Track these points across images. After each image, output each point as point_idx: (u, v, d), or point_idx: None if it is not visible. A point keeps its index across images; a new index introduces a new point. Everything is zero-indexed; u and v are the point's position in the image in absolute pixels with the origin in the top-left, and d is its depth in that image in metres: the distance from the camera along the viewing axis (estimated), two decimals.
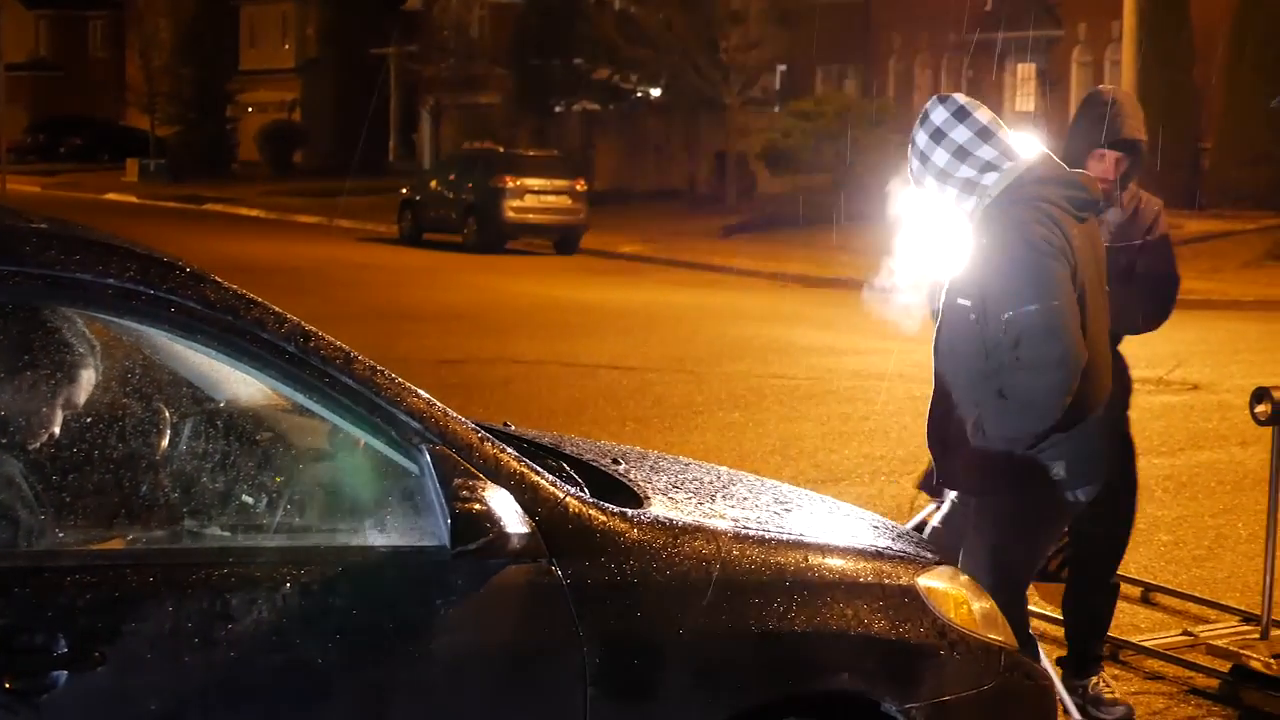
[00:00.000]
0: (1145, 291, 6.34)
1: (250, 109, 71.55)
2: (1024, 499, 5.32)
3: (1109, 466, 5.58)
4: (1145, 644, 7.33)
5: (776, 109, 45.44)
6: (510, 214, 33.63)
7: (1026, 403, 5.10)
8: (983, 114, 5.35)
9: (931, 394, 5.54)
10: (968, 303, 5.26)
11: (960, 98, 5.42)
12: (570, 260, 32.60)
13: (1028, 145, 5.46)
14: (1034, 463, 5.20)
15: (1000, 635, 4.53)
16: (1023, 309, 5.05)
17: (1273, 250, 28.89)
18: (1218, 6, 36.46)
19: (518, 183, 33.64)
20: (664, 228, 36.98)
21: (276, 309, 3.88)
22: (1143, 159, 6.27)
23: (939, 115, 5.35)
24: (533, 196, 33.73)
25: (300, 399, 3.84)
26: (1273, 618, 7.20)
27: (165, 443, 3.97)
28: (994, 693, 4.42)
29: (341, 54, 65.54)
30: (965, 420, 5.31)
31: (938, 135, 5.33)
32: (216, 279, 3.83)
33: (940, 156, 5.31)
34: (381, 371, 3.92)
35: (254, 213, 45.86)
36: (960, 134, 5.30)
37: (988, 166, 5.28)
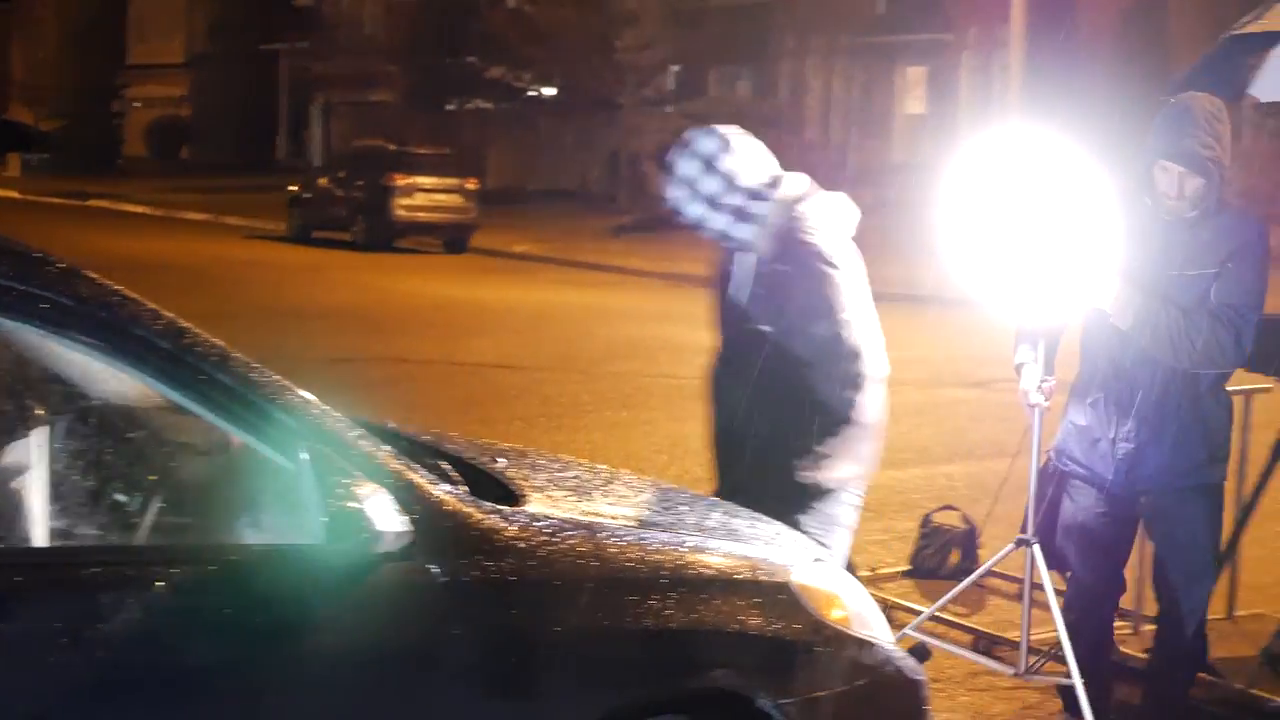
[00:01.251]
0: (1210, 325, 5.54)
1: (138, 104, 70.82)
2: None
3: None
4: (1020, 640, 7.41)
5: (670, 110, 45.51)
6: (400, 212, 33.48)
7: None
8: (747, 143, 5.54)
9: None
10: (768, 329, 5.38)
11: (725, 129, 5.57)
12: (460, 259, 32.52)
13: (793, 176, 5.65)
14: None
15: (874, 631, 4.59)
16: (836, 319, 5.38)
17: None
18: (1105, 8, 36.92)
19: (408, 181, 33.50)
20: (556, 227, 36.97)
21: (152, 305, 3.86)
22: (1217, 176, 5.54)
23: (707, 146, 5.47)
24: (423, 195, 33.60)
25: (175, 397, 3.82)
26: (1144, 614, 7.32)
27: (37, 441, 3.94)
28: (867, 688, 4.47)
29: (232, 49, 64.99)
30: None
31: (707, 165, 5.44)
32: (90, 274, 3.80)
33: (709, 185, 5.43)
34: (258, 369, 3.90)
35: (140, 209, 45.37)
36: (729, 163, 5.43)
37: (756, 194, 5.43)
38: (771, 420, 5.40)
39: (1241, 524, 6.74)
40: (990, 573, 8.51)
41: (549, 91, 50.68)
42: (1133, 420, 5.68)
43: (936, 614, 7.83)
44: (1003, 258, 5.75)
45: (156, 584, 3.59)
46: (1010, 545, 6.14)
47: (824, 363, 5.38)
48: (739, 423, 5.51)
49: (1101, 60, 37.01)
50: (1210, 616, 6.76)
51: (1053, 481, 6.09)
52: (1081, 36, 37.39)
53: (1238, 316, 5.47)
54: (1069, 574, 6.23)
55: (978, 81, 42.38)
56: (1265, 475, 6.49)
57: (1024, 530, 6.06)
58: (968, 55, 42.61)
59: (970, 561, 8.59)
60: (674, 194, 5.52)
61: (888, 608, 7.79)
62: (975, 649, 7.41)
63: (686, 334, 19.86)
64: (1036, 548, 5.98)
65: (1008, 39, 33.32)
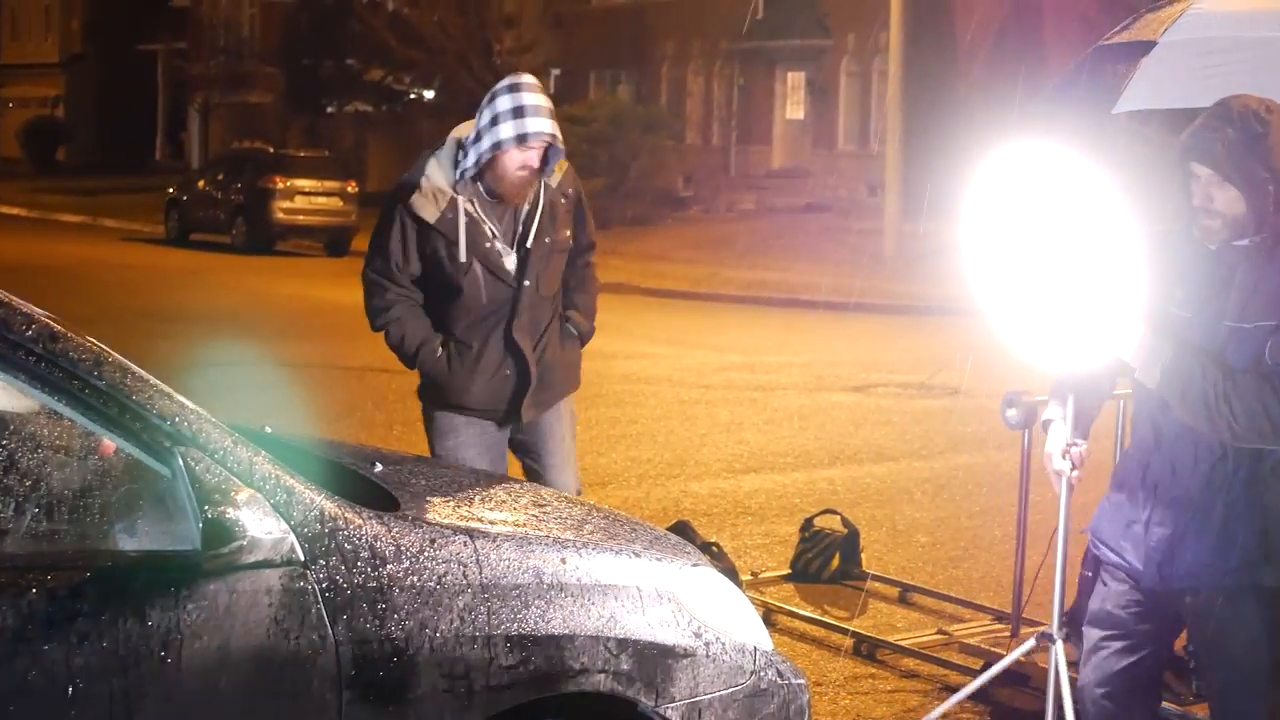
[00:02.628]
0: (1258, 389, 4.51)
1: (10, 104, 69.84)
2: None
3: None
4: (901, 643, 7.47)
5: None
6: (280, 215, 33.27)
7: None
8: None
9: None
10: None
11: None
12: (341, 262, 32.30)
13: None
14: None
15: (755, 635, 4.60)
16: None
17: None
18: (981, 17, 37.32)
19: (287, 183, 33.29)
20: None
21: (24, 308, 3.80)
22: (1268, 191, 4.51)
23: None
24: (303, 198, 33.40)
25: (48, 401, 3.76)
26: (1023, 616, 7.39)
27: None
28: (748, 691, 4.47)
29: (107, 49, 64.27)
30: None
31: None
32: None
33: None
34: (133, 373, 3.85)
35: (14, 211, 44.74)
36: None
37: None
38: None
39: None
40: (872, 576, 8.60)
41: (429, 94, 50.53)
42: (1170, 502, 4.64)
43: (817, 618, 7.88)
44: (1023, 291, 4.83)
45: (30, 591, 3.53)
46: (1030, 641, 5.26)
47: None
48: None
49: (979, 67, 37.41)
50: None
51: (1093, 566, 5.27)
52: (959, 44, 37.81)
53: None
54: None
55: (857, 88, 42.74)
56: None
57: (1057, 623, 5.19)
58: (847, 61, 42.94)
59: (852, 565, 8.64)
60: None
61: (769, 611, 7.83)
62: (857, 652, 7.45)
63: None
64: (1060, 645, 5.04)
65: (886, 45, 33.63)
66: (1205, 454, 4.57)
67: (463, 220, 6.16)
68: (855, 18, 41.34)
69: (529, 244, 6.27)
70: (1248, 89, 6.15)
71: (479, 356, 6.28)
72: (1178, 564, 4.62)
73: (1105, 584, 4.88)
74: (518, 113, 6.06)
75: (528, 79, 6.20)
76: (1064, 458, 4.83)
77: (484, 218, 6.21)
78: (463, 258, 6.16)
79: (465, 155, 6.16)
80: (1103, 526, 4.87)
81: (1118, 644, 4.80)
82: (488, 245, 6.21)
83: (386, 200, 6.32)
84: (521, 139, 6.06)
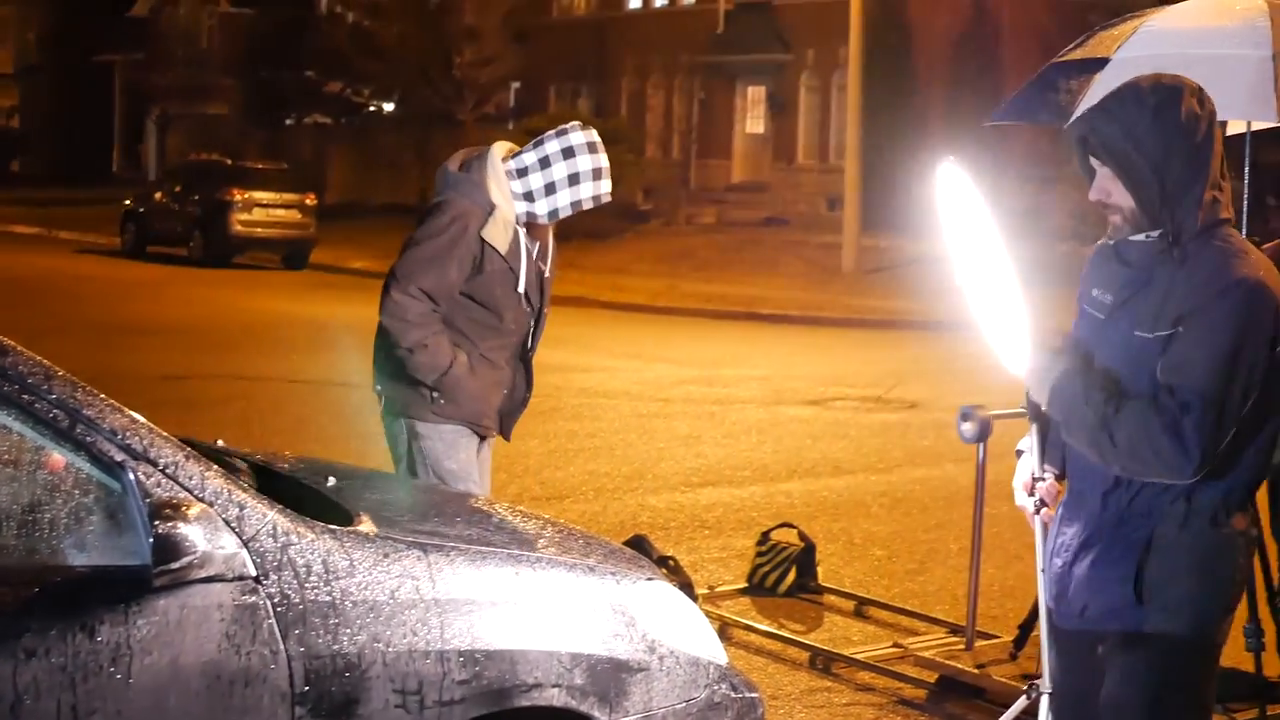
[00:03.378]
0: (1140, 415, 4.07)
1: None
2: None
3: None
4: (857, 656, 7.48)
5: (510, 126, 45.51)
6: (238, 227, 33.12)
7: None
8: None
9: None
10: None
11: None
12: (299, 275, 32.25)
13: None
14: None
15: (709, 649, 4.60)
16: None
17: None
18: (938, 38, 37.50)
19: (245, 196, 33.15)
20: (396, 243, 36.04)
21: None
22: (1156, 185, 4.06)
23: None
24: (261, 210, 33.27)
25: None
26: (977, 629, 7.41)
27: None
28: (702, 705, 4.48)
29: (64, 60, 63.96)
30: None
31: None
32: None
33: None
34: (83, 388, 3.84)
35: None
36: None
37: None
38: None
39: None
40: (828, 590, 8.62)
41: (388, 106, 50.48)
42: (1071, 532, 4.20)
43: (773, 631, 7.88)
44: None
45: None
46: (1021, 699, 4.56)
47: None
48: None
49: (937, 83, 37.58)
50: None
51: None
52: (918, 60, 37.95)
53: (1179, 407, 3.88)
54: None
55: (816, 102, 42.85)
56: None
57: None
58: (807, 75, 43.05)
59: (808, 578, 8.65)
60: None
61: (725, 625, 7.83)
62: (812, 665, 7.46)
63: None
64: (1045, 699, 4.32)
65: (846, 60, 33.72)
66: (1100, 481, 4.11)
67: (523, 252, 6.43)
68: (815, 33, 41.45)
69: (547, 274, 6.58)
70: None
71: (501, 375, 6.48)
72: (1070, 600, 4.17)
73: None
74: (598, 174, 6.43)
75: (597, 136, 6.49)
76: (1029, 493, 4.31)
77: (530, 249, 6.49)
78: (521, 287, 6.41)
79: (535, 199, 6.44)
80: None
81: (1070, 696, 4.28)
82: (531, 275, 6.49)
83: (447, 220, 6.40)
84: (597, 199, 6.45)
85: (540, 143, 6.50)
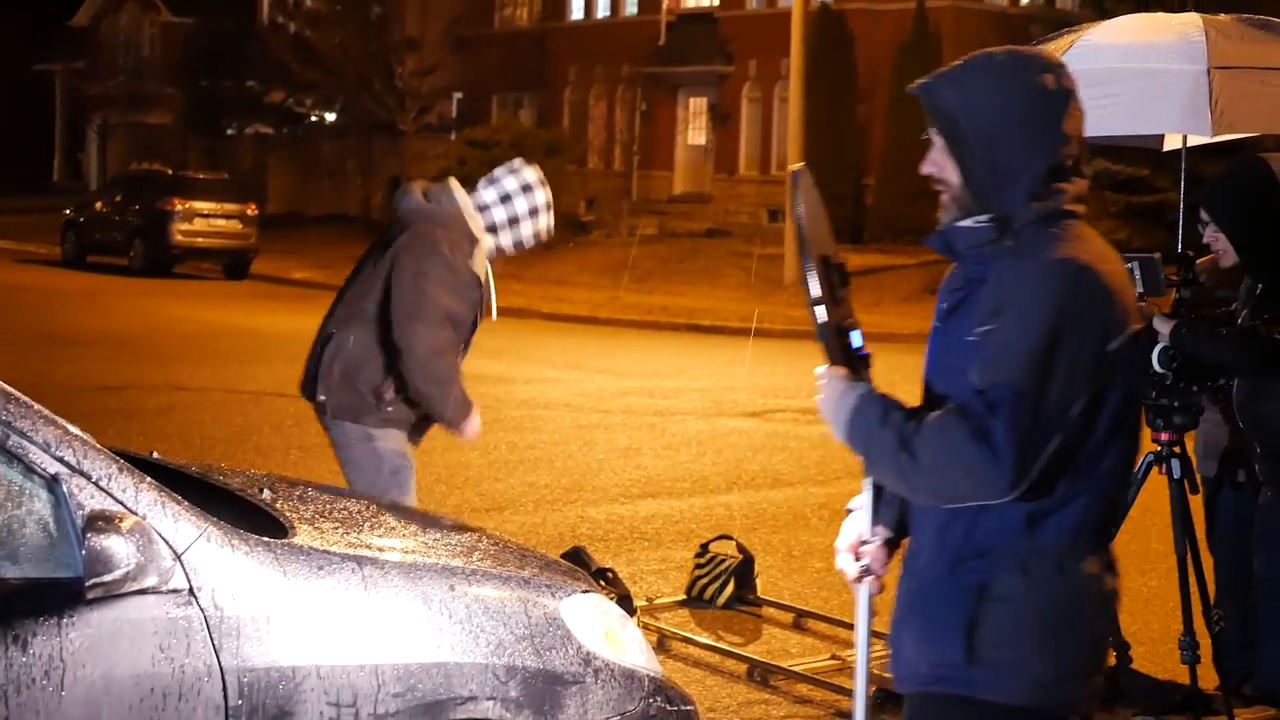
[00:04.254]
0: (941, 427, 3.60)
1: None
2: None
3: None
4: (795, 668, 7.50)
5: (453, 136, 45.47)
6: (178, 237, 33.00)
7: None
8: None
9: None
10: None
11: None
12: (240, 285, 32.14)
13: None
14: None
15: (644, 661, 4.62)
16: None
17: (930, 284, 29.87)
18: (881, 46, 37.66)
19: (186, 205, 33.04)
20: (337, 253, 36.62)
21: None
22: (984, 158, 3.55)
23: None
24: (202, 220, 33.16)
25: None
26: None
27: None
28: (636, 717, 4.49)
29: (4, 69, 63.53)
30: None
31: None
32: None
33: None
34: (17, 399, 3.83)
35: None
36: None
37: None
38: None
39: None
40: (766, 602, 8.65)
41: (330, 116, 50.37)
42: (904, 578, 3.63)
43: (711, 644, 7.90)
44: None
45: None
46: None
47: None
48: None
49: (879, 94, 37.73)
50: None
51: None
52: (860, 71, 38.09)
53: (986, 408, 3.31)
54: None
55: (758, 113, 42.97)
56: None
57: None
58: (749, 87, 43.18)
59: (747, 590, 8.67)
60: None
61: (663, 637, 7.85)
62: (750, 677, 7.48)
63: (467, 363, 19.80)
64: None
65: (787, 71, 33.85)
66: (934, 518, 3.53)
67: (491, 280, 6.83)
68: (757, 44, 41.59)
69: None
70: (1133, 118, 6.26)
71: None
72: (904, 659, 3.63)
73: None
74: (548, 208, 6.87)
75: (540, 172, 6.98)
76: (850, 556, 3.73)
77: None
78: (494, 315, 6.89)
79: (499, 231, 6.75)
80: None
81: None
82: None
83: (447, 256, 6.62)
84: (548, 231, 6.89)
85: (495, 180, 6.83)
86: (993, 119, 3.48)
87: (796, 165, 3.79)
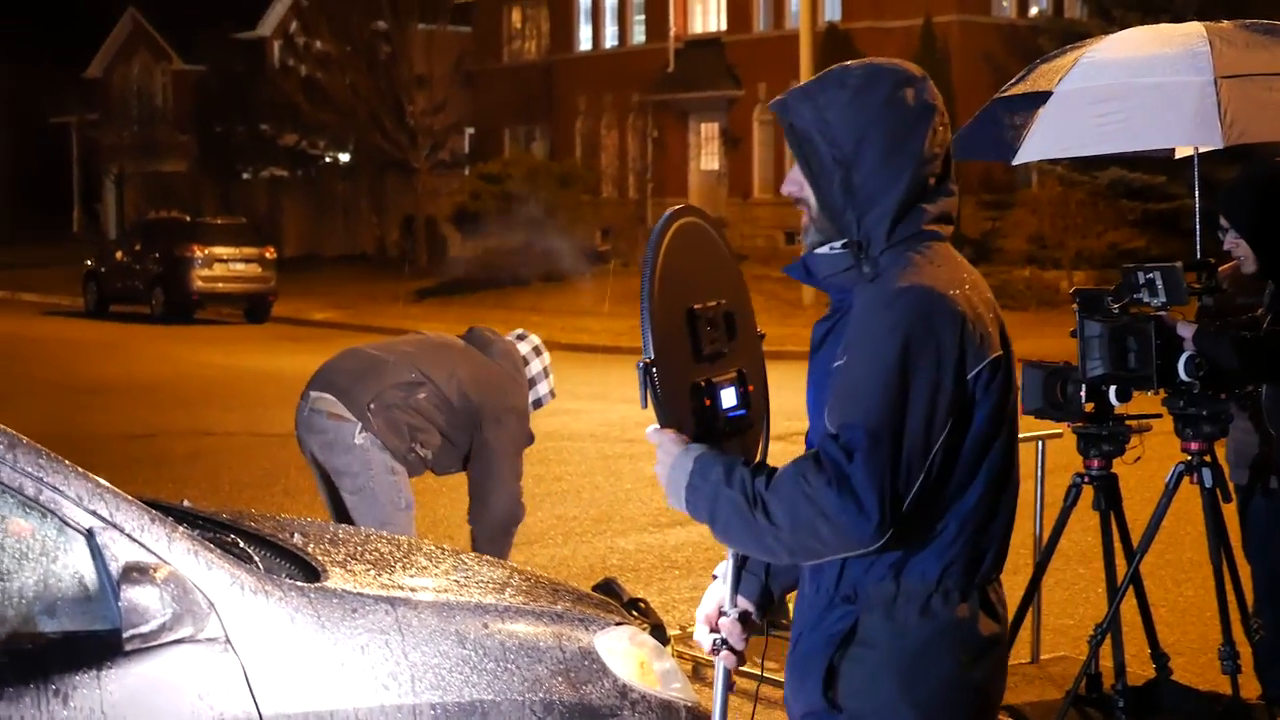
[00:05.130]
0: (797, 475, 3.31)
1: None
2: None
3: None
4: None
5: (466, 172, 45.59)
6: (199, 283, 33.11)
7: None
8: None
9: None
10: None
11: None
12: (262, 329, 32.21)
13: None
14: None
15: (681, 691, 4.62)
16: None
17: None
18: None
19: (205, 251, 33.15)
20: (355, 292, 36.79)
21: None
22: (840, 181, 3.35)
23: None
24: (221, 265, 33.26)
25: None
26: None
27: None
28: None
29: (19, 123, 63.94)
30: None
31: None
32: None
33: None
34: (48, 454, 3.86)
35: None
36: None
37: None
38: None
39: (1042, 566, 6.86)
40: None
41: (343, 156, 50.55)
42: (797, 634, 3.44)
43: (747, 670, 7.88)
44: None
45: None
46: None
47: None
48: None
49: None
50: (1015, 662, 6.87)
51: None
52: None
53: (842, 452, 3.09)
54: None
55: (769, 136, 43.01)
56: (1062, 518, 6.62)
57: None
58: (759, 110, 43.23)
59: (780, 615, 8.64)
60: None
61: (698, 666, 7.85)
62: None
63: None
64: None
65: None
66: (818, 571, 3.34)
67: None
68: (765, 67, 41.62)
69: None
70: (1140, 133, 6.26)
71: None
72: (787, 703, 3.48)
73: None
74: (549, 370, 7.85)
75: None
76: (705, 628, 3.55)
77: None
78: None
79: (537, 389, 7.77)
80: None
81: None
82: None
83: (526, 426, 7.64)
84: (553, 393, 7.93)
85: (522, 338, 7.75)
86: (848, 137, 3.28)
87: (677, 206, 3.51)
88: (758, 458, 3.51)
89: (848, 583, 3.27)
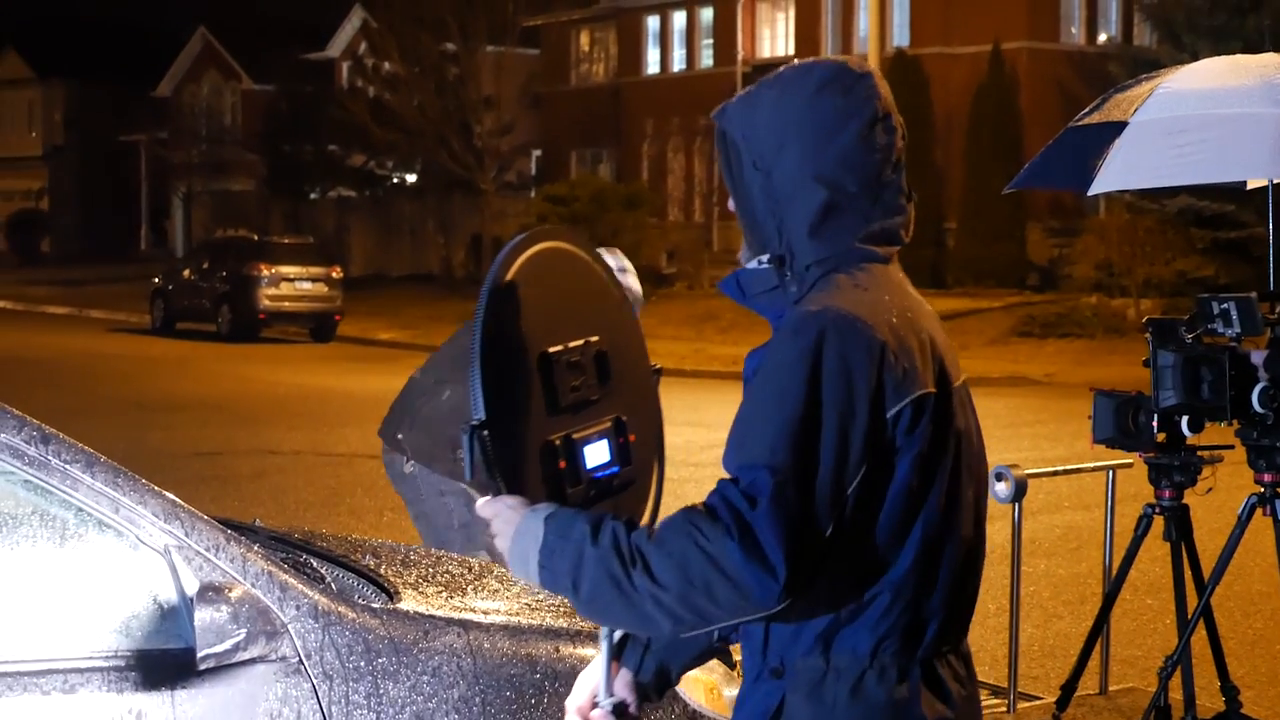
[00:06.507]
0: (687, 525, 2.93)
1: None
2: None
3: None
4: None
5: (532, 193, 45.74)
6: (265, 302, 33.32)
7: None
8: None
9: None
10: None
11: None
12: (327, 348, 32.38)
13: None
14: None
15: None
16: None
17: (1017, 327, 29.76)
18: (956, 92, 37.63)
19: (272, 270, 33.36)
20: (421, 312, 36.91)
21: (14, 412, 3.83)
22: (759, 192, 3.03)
23: None
24: (287, 284, 33.47)
25: (41, 503, 3.79)
26: (1019, 691, 7.39)
27: None
28: None
29: (90, 141, 64.64)
30: None
31: None
32: None
33: None
34: (124, 473, 3.88)
35: (0, 304, 44.81)
36: None
37: None
38: None
39: (1112, 597, 6.83)
40: None
41: (410, 177, 50.79)
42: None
43: None
44: None
45: (25, 694, 3.55)
46: None
47: None
48: None
49: (956, 135, 37.66)
50: (1083, 693, 6.83)
51: None
52: (936, 113, 38.06)
53: (743, 498, 2.65)
54: None
55: None
56: (1132, 548, 6.59)
57: None
58: None
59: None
60: None
61: None
62: None
63: None
64: None
65: None
66: (747, 635, 2.93)
67: None
68: None
69: None
70: (1217, 165, 6.23)
71: None
72: None
73: None
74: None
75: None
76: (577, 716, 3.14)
77: None
78: None
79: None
80: None
81: None
82: None
83: None
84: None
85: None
86: (770, 139, 2.90)
87: (529, 232, 3.15)
88: (644, 519, 3.13)
89: (774, 653, 2.85)
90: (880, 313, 2.80)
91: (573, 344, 3.00)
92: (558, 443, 2.93)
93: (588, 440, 2.98)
